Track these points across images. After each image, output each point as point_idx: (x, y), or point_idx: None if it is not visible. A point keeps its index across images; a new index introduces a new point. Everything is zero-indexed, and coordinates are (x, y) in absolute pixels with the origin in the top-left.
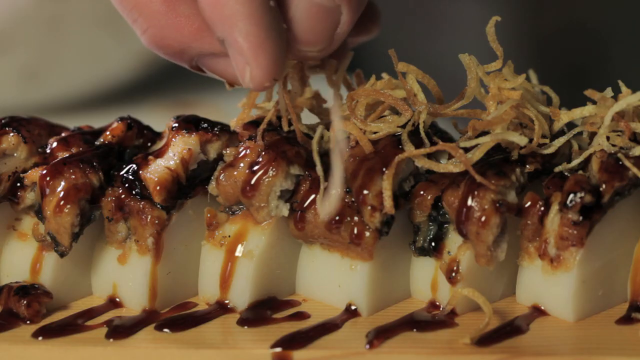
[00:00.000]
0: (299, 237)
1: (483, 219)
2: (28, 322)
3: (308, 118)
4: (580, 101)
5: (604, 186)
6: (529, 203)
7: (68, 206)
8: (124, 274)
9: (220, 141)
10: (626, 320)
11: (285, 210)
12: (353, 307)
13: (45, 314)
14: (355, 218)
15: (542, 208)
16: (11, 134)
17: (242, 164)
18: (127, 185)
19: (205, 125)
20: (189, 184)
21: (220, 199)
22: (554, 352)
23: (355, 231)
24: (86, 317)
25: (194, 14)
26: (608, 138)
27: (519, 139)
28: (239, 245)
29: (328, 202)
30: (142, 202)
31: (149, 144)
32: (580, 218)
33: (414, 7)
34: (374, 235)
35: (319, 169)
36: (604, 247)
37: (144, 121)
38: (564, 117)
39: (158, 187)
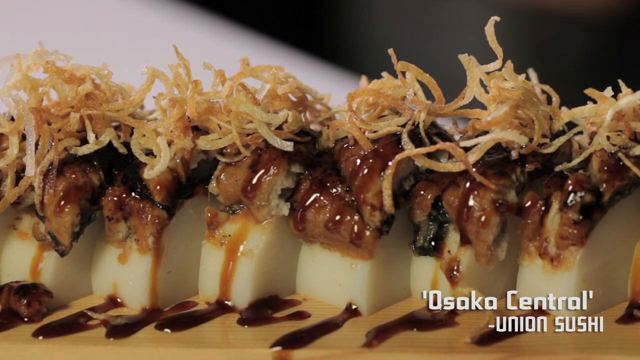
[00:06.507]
0: (299, 237)
1: (483, 218)
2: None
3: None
4: (580, 100)
5: (604, 185)
6: (529, 202)
7: (68, 206)
8: (124, 273)
9: None
10: (626, 319)
11: (285, 209)
12: (353, 307)
13: (45, 313)
14: (356, 217)
15: (543, 207)
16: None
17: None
18: (127, 184)
19: None
20: (189, 183)
21: (220, 198)
22: (554, 351)
23: (356, 230)
24: (87, 316)
25: None
26: (608, 137)
27: (519, 139)
28: (240, 245)
29: None
30: (143, 202)
31: None
32: (581, 217)
33: (414, 7)
34: (374, 234)
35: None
36: (605, 246)
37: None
38: (564, 116)
39: (158, 187)
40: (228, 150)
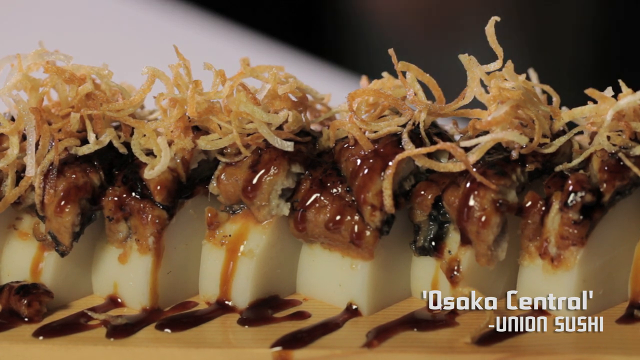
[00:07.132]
0: (300, 237)
1: (483, 218)
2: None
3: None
4: (580, 100)
5: (604, 185)
6: (529, 202)
7: (69, 206)
8: (124, 274)
9: None
10: (626, 319)
11: (285, 209)
12: (354, 307)
13: (45, 313)
14: (356, 217)
15: (543, 207)
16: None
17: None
18: (127, 184)
19: None
20: (190, 183)
21: (221, 198)
22: (554, 351)
23: (356, 230)
24: (87, 316)
25: None
26: (609, 137)
27: (520, 139)
28: (240, 245)
29: None
30: (143, 202)
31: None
32: (581, 217)
33: (415, 7)
34: (375, 234)
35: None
36: (605, 246)
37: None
38: (565, 116)
39: (159, 187)
40: (228, 150)
